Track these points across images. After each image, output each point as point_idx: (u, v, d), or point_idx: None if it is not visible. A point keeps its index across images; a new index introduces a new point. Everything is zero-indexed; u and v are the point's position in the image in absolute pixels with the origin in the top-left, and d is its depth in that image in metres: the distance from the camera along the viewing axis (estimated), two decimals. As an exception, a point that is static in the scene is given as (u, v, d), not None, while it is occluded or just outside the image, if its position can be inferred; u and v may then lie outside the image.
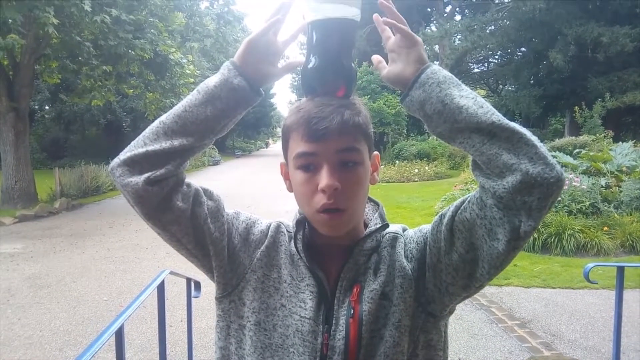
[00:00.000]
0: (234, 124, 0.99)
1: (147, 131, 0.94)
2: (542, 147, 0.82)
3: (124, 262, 7.50)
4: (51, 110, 27.92)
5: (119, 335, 2.16)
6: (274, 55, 0.97)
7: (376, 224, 1.00)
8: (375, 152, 1.02)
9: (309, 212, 0.95)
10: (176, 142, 0.92)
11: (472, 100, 0.86)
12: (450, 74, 0.90)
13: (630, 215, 7.32)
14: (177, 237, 0.96)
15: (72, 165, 16.90)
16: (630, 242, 6.83)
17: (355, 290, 0.95)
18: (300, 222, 1.00)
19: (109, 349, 2.30)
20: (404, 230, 1.05)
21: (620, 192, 7.73)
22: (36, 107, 27.28)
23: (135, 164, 0.91)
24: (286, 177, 1.02)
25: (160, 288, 2.93)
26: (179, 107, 0.94)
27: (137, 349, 4.38)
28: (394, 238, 1.01)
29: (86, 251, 8.25)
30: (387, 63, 0.97)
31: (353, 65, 0.96)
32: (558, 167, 0.81)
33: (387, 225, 1.01)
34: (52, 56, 13.49)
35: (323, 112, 0.90)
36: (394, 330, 0.92)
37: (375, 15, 0.97)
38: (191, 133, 0.93)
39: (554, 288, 5.76)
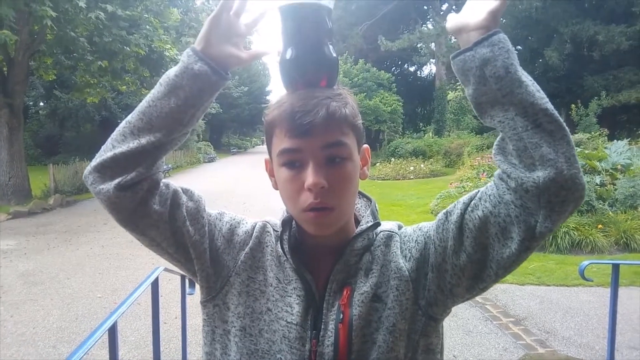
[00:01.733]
0: (203, 113, 0.93)
1: (115, 133, 0.90)
2: (576, 152, 0.80)
3: (118, 259, 7.48)
4: (46, 107, 27.78)
5: (113, 332, 2.14)
6: (236, 36, 0.91)
7: (368, 222, 0.95)
8: (365, 145, 0.97)
9: (295, 211, 0.90)
10: (144, 140, 0.87)
11: (531, 82, 0.81)
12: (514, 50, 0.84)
13: (625, 213, 7.35)
14: (156, 241, 0.93)
15: (66, 162, 16.79)
16: (625, 239, 6.85)
17: (345, 293, 0.90)
18: (287, 222, 0.95)
19: (102, 346, 2.29)
20: (400, 228, 1.00)
21: (615, 190, 7.75)
22: (30, 103, 27.14)
23: (106, 170, 0.87)
24: (271, 174, 0.98)
25: (154, 285, 2.91)
26: (143, 103, 0.89)
27: (131, 346, 4.36)
28: (389, 236, 0.96)
29: (80, 248, 8.23)
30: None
31: (334, 53, 0.90)
32: (583, 177, 0.80)
33: (378, 224, 0.96)
34: (47, 52, 13.42)
35: (307, 105, 0.85)
36: (388, 335, 0.87)
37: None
38: (158, 128, 0.87)
39: (548, 285, 5.78)
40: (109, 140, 0.90)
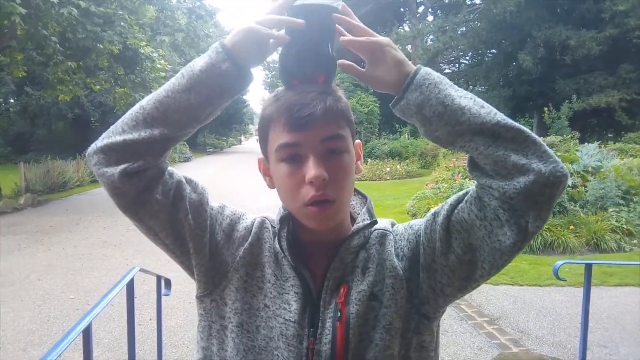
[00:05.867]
0: (220, 111, 0.91)
1: (127, 116, 0.87)
2: (546, 145, 0.80)
3: (91, 259, 7.34)
4: (16, 104, 27.12)
5: (87, 334, 2.10)
6: (263, 52, 0.88)
7: (364, 219, 0.96)
8: (357, 141, 0.97)
9: (295, 207, 0.89)
10: (156, 132, 0.85)
11: (472, 101, 0.82)
12: (442, 75, 0.85)
13: (595, 214, 7.51)
14: (154, 231, 0.91)
15: (37, 160, 16.44)
16: (595, 240, 7.00)
17: (342, 290, 0.90)
18: (285, 219, 0.94)
19: (75, 349, 2.24)
20: (393, 225, 1.00)
21: (586, 191, 7.92)
22: (0, 100, 26.49)
23: (112, 153, 0.85)
24: (266, 173, 0.97)
25: (130, 286, 2.87)
26: (160, 92, 0.86)
27: (105, 348, 4.29)
28: (383, 235, 0.96)
29: (52, 248, 8.05)
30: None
31: (334, 53, 0.92)
32: (562, 163, 0.80)
33: (375, 222, 0.96)
34: (17, 48, 13.09)
35: (305, 99, 0.85)
36: (384, 333, 0.88)
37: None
38: (173, 121, 0.85)
39: (522, 285, 5.87)
40: (120, 122, 0.87)
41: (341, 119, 0.89)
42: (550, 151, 0.80)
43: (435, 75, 0.84)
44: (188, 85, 0.85)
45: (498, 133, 0.79)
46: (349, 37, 0.88)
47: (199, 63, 0.86)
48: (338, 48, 0.93)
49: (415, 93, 0.83)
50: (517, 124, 0.80)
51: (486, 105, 0.82)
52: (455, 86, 0.84)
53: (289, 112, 0.85)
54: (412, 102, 0.83)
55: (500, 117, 0.80)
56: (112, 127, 0.87)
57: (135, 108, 0.87)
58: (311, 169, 0.84)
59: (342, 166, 0.88)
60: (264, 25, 0.86)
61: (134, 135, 0.85)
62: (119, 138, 0.85)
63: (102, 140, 0.86)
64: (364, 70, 0.90)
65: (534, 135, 0.80)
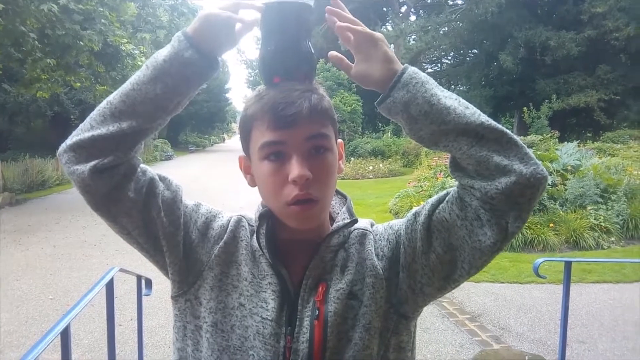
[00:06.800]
0: (189, 100, 0.90)
1: (95, 113, 0.86)
2: (527, 148, 0.81)
3: (70, 259, 7.24)
4: (-7, 101, 26.63)
5: (65, 334, 2.07)
6: (228, 38, 0.88)
7: (344, 218, 0.95)
8: (339, 140, 0.96)
9: (277, 206, 0.88)
10: (125, 125, 0.84)
11: (457, 102, 0.82)
12: (428, 75, 0.85)
13: (575, 212, 7.61)
14: (127, 229, 0.89)
15: (15, 159, 16.17)
16: (574, 238, 7.10)
17: (320, 289, 0.89)
18: (264, 216, 0.93)
19: (55, 350, 2.20)
20: (372, 225, 1.00)
21: (566, 190, 8.02)
22: (-23, 97, 25.97)
23: (82, 150, 0.84)
24: (247, 171, 0.96)
25: (109, 286, 2.84)
26: (127, 85, 0.85)
27: (85, 349, 4.24)
28: (363, 235, 0.96)
29: (30, 248, 7.92)
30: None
31: (312, 49, 0.91)
32: (542, 165, 0.81)
33: (356, 221, 0.96)
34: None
35: (289, 97, 0.84)
36: (364, 333, 0.87)
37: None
38: (141, 114, 0.84)
39: (502, 283, 5.93)
40: (88, 119, 0.86)
41: (325, 117, 0.89)
42: (531, 153, 0.81)
43: (422, 74, 0.84)
44: (153, 76, 0.84)
45: (481, 134, 0.80)
46: (345, 23, 0.88)
47: (162, 53, 0.85)
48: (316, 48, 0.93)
49: (402, 91, 0.83)
50: (500, 126, 0.81)
51: (470, 106, 0.83)
52: (441, 87, 0.85)
53: (274, 110, 0.84)
54: (398, 100, 0.83)
55: (484, 118, 0.81)
56: (80, 125, 0.87)
57: (103, 104, 0.87)
58: (295, 168, 0.83)
59: (326, 165, 0.88)
60: (223, 9, 0.85)
61: (103, 130, 0.84)
62: (87, 134, 0.84)
63: (72, 138, 0.86)
64: (353, 64, 0.90)
65: (515, 137, 0.81)
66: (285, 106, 0.83)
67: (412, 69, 0.85)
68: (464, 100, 0.83)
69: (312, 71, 0.91)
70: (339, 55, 0.92)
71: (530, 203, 0.81)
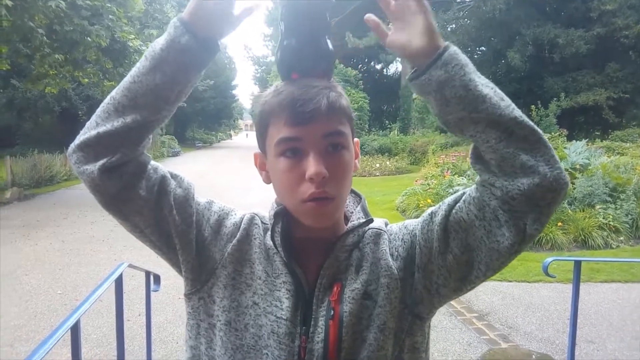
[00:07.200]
0: (191, 89, 0.88)
1: (99, 110, 0.85)
2: (554, 150, 0.79)
3: (79, 254, 7.27)
4: (2, 97, 26.76)
5: (75, 330, 2.08)
6: (226, 20, 0.86)
7: (359, 218, 0.94)
8: (356, 139, 0.95)
9: (292, 203, 0.87)
10: (129, 119, 0.83)
11: (493, 91, 0.79)
12: (467, 58, 0.80)
13: (583, 211, 7.57)
14: (139, 228, 0.89)
15: (24, 154, 16.22)
16: (583, 237, 7.06)
17: (335, 289, 0.88)
18: (279, 214, 0.91)
19: (64, 344, 2.21)
20: (386, 224, 0.99)
21: (574, 189, 7.98)
22: (-15, 93, 26.13)
23: (89, 149, 0.84)
24: (262, 167, 0.95)
25: (119, 281, 2.85)
26: (127, 79, 0.84)
27: (93, 343, 4.26)
28: (377, 234, 0.94)
29: (39, 243, 7.97)
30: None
31: (331, 46, 0.90)
32: (565, 172, 0.79)
33: (371, 220, 0.94)
34: (2, 40, 12.89)
35: (308, 93, 0.83)
36: (378, 333, 0.86)
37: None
38: (143, 106, 0.83)
39: (510, 281, 5.91)
40: (93, 116, 0.85)
41: (343, 115, 0.88)
42: (557, 157, 0.79)
43: (463, 56, 0.80)
44: (151, 66, 0.83)
45: (512, 129, 0.77)
46: None
47: (159, 42, 0.84)
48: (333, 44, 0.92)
49: (440, 70, 0.78)
50: (532, 124, 0.78)
51: (506, 98, 0.79)
52: (478, 73, 0.80)
53: (292, 106, 0.83)
54: (434, 79, 0.79)
55: (518, 113, 0.78)
56: (87, 123, 0.86)
57: (106, 100, 0.86)
58: (312, 165, 0.82)
59: (342, 163, 0.87)
60: None
61: (107, 126, 0.83)
62: (93, 132, 0.84)
63: (79, 138, 0.85)
64: (389, 31, 0.85)
65: (545, 138, 0.79)
66: (303, 102, 0.82)
67: (454, 48, 0.80)
68: (500, 91, 0.80)
69: (330, 68, 0.90)
70: (376, 19, 0.86)
71: (550, 207, 0.79)
